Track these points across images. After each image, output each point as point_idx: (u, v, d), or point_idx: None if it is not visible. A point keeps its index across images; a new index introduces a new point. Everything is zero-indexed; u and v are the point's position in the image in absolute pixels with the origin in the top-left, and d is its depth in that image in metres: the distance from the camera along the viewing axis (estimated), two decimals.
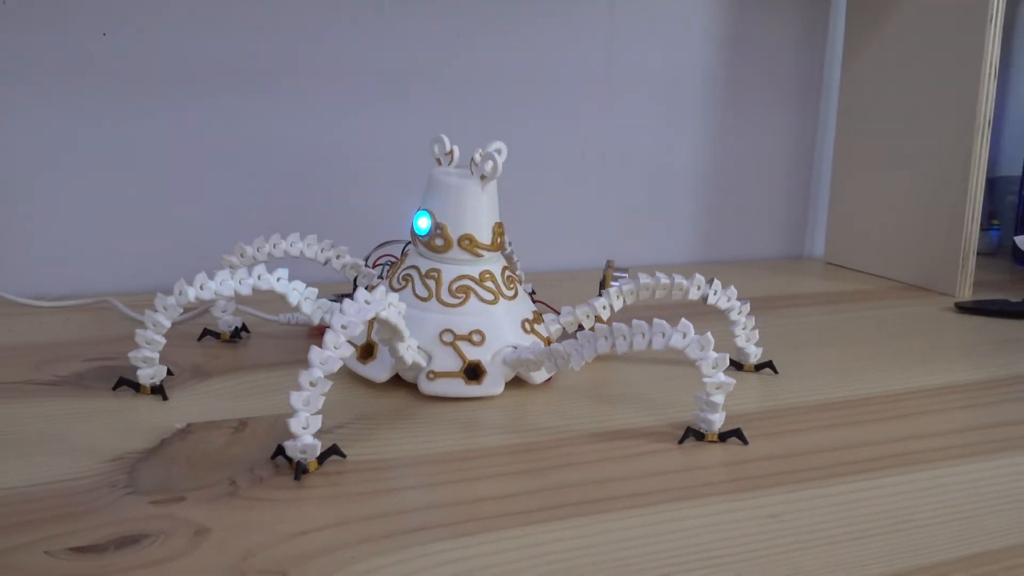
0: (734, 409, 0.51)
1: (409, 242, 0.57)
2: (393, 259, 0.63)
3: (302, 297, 0.50)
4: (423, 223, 0.54)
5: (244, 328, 0.63)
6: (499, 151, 0.54)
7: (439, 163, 0.56)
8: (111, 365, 0.56)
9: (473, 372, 0.53)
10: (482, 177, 0.53)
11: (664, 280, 0.57)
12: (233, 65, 0.75)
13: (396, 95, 0.80)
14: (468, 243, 0.53)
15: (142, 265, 0.76)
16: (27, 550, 0.36)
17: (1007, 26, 1.03)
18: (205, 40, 0.74)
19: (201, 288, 0.48)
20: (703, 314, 0.64)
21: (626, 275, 0.61)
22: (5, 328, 0.63)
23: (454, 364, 0.52)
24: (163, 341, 0.51)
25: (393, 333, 0.49)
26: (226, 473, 0.42)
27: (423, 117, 0.81)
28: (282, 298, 0.49)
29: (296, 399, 0.43)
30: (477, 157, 0.54)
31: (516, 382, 0.55)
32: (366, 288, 0.57)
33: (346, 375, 0.55)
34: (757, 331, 0.59)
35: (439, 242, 0.54)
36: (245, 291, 0.49)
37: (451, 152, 0.55)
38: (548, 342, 0.56)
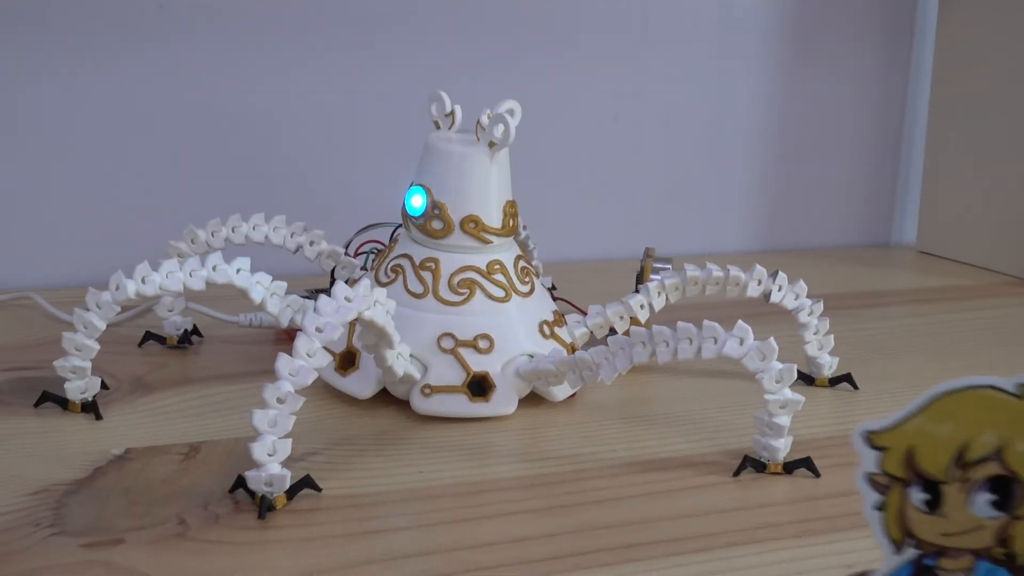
0: (803, 433, 0.51)
1: (400, 225, 0.57)
2: (380, 246, 0.63)
3: (267, 293, 0.50)
4: (417, 201, 0.54)
5: (195, 331, 0.63)
6: (511, 112, 0.54)
7: (437, 127, 0.56)
8: (32, 376, 0.56)
9: (479, 387, 0.53)
10: (491, 144, 0.53)
11: (716, 273, 0.57)
12: (175, 5, 0.76)
13: (383, 43, 0.80)
14: (473, 227, 0.54)
15: (70, 254, 0.76)
16: None
17: None
18: None
19: (143, 281, 0.48)
20: (765, 315, 0.64)
21: (669, 266, 0.61)
22: None
23: (455, 376, 0.52)
24: (96, 347, 0.51)
25: (380, 337, 0.49)
26: (174, 510, 0.43)
27: (417, 71, 0.81)
28: (243, 294, 0.49)
29: (260, 419, 0.43)
30: (484, 120, 0.53)
31: (532, 399, 0.55)
32: (346, 282, 0.58)
33: (322, 390, 0.55)
34: (832, 336, 0.59)
35: (437, 225, 0.54)
36: (197, 285, 0.49)
37: (452, 113, 0.55)
38: (572, 349, 0.56)
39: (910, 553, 0.28)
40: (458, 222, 0.53)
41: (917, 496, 0.28)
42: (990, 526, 0.27)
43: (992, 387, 0.26)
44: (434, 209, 0.54)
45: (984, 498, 0.27)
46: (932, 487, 0.27)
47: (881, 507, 0.28)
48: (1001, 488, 0.26)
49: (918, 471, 0.28)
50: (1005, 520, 0.27)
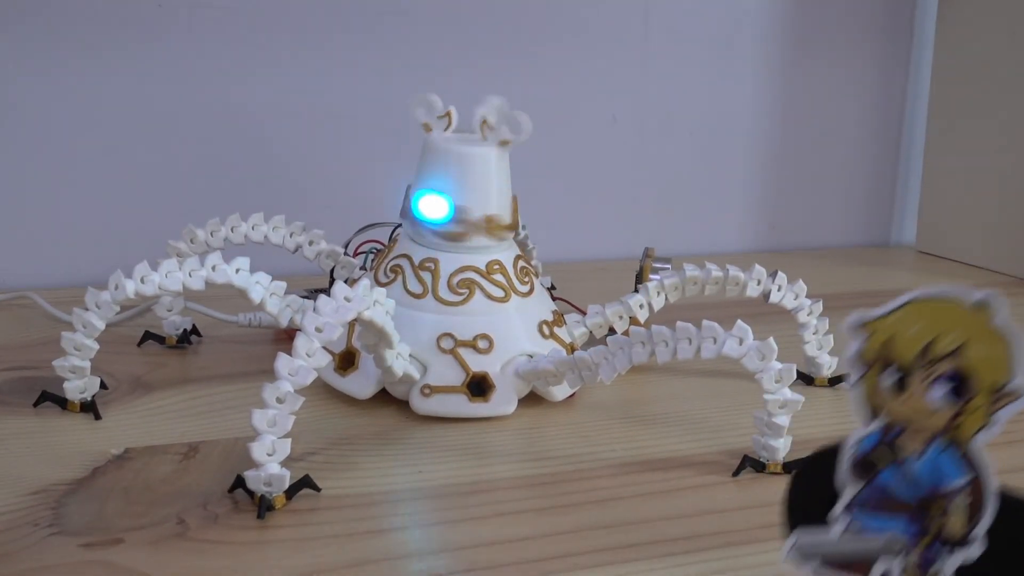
0: (802, 433, 0.51)
1: (399, 225, 0.57)
2: (379, 246, 0.63)
3: (267, 293, 0.50)
4: (439, 208, 0.53)
5: (194, 331, 0.63)
6: (500, 108, 0.54)
7: (428, 130, 0.55)
8: (32, 376, 0.56)
9: (478, 387, 0.53)
10: (502, 142, 0.53)
11: (716, 273, 0.57)
12: (174, 5, 0.76)
13: (382, 44, 0.80)
14: (494, 226, 0.54)
15: (69, 253, 0.76)
16: None
17: None
18: None
19: (142, 281, 0.48)
20: (764, 315, 0.64)
21: (669, 266, 0.61)
22: None
23: (455, 376, 0.52)
24: (96, 347, 0.51)
25: (379, 338, 0.49)
26: (173, 509, 0.43)
27: (417, 71, 0.81)
28: (242, 294, 0.49)
29: (259, 419, 0.43)
30: (492, 119, 0.53)
31: (532, 399, 0.55)
32: (346, 282, 0.57)
33: (321, 390, 0.55)
34: (831, 336, 0.59)
35: (459, 229, 0.53)
36: (196, 285, 0.49)
37: (448, 114, 0.55)
38: (571, 349, 0.56)
39: (879, 422, 0.33)
40: (481, 223, 0.53)
41: (889, 378, 0.33)
42: (943, 413, 0.32)
43: (954, 298, 0.31)
44: (459, 214, 0.53)
45: (940, 389, 0.32)
46: (901, 372, 0.32)
47: (862, 381, 0.34)
48: (956, 382, 0.31)
49: (892, 357, 0.33)
50: (955, 409, 0.31)
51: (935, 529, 0.33)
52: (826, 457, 0.35)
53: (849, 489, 0.34)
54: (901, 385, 0.33)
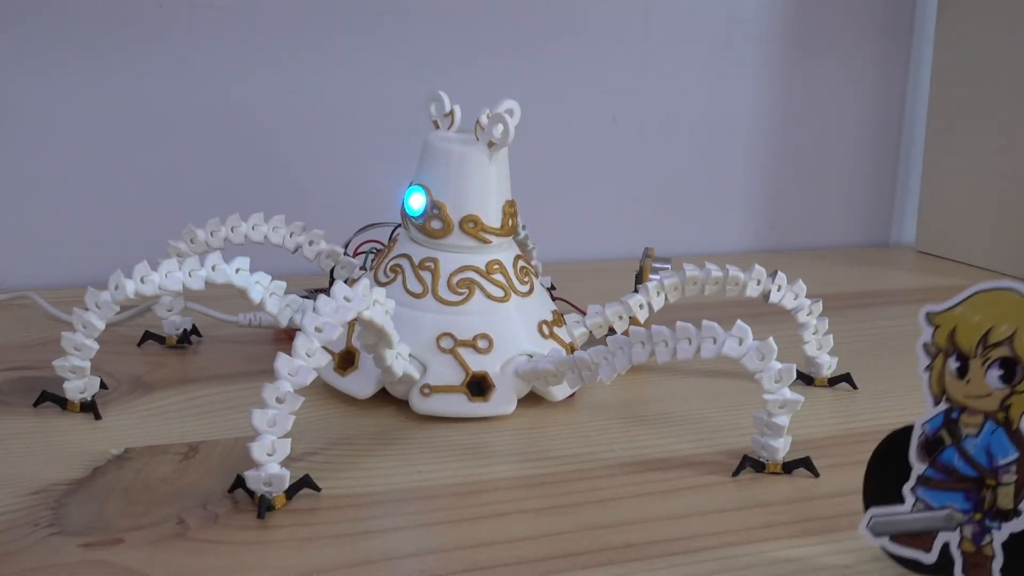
0: (802, 433, 0.51)
1: (399, 225, 0.57)
2: (379, 246, 0.63)
3: (267, 292, 0.50)
4: (416, 201, 0.54)
5: (194, 331, 0.63)
6: (510, 112, 0.54)
7: (436, 127, 0.56)
8: (31, 376, 0.56)
9: (478, 386, 0.53)
10: (490, 144, 0.53)
11: (716, 273, 0.57)
12: (174, 4, 0.76)
13: (382, 43, 0.81)
14: (473, 226, 0.54)
15: (69, 253, 0.76)
16: None
17: None
18: None
19: (142, 281, 0.48)
20: (764, 315, 0.64)
21: (668, 266, 0.61)
22: None
23: (455, 376, 0.52)
24: (95, 347, 0.51)
25: (379, 337, 0.49)
26: (173, 509, 0.43)
27: (417, 71, 0.81)
28: (242, 294, 0.49)
29: (259, 419, 0.43)
30: (484, 119, 0.54)
31: (531, 399, 0.55)
32: (345, 282, 0.57)
33: (321, 390, 0.55)
34: (831, 336, 0.59)
35: (436, 225, 0.54)
36: (196, 285, 0.49)
37: (451, 113, 0.55)
38: (571, 349, 0.56)
39: (943, 406, 0.37)
40: (457, 222, 0.53)
41: (952, 365, 0.37)
42: (997, 395, 0.35)
43: (1013, 290, 0.35)
44: (433, 209, 0.54)
45: (995, 373, 0.35)
46: (963, 359, 0.36)
47: (929, 369, 0.37)
48: (1008, 367, 0.35)
49: (956, 346, 0.36)
50: (1007, 392, 0.35)
51: (988, 504, 0.36)
52: (898, 439, 0.38)
53: (916, 468, 0.37)
54: (962, 371, 0.36)
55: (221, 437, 0.50)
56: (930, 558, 0.37)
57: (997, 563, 0.36)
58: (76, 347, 0.51)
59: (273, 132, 0.79)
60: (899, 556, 0.38)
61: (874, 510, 0.38)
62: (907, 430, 0.38)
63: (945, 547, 0.37)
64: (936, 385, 0.37)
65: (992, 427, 0.36)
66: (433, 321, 0.53)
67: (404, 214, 0.55)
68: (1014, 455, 0.35)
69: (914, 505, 0.37)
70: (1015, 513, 0.35)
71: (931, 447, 0.37)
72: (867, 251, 0.97)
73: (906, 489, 0.38)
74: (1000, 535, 0.35)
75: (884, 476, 0.39)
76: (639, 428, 0.53)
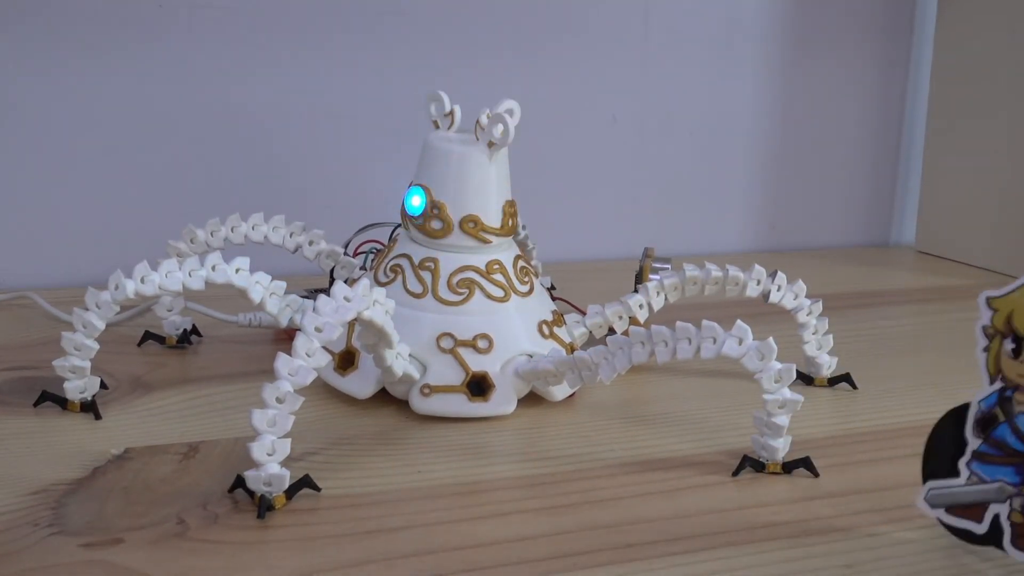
0: (802, 433, 0.51)
1: (399, 225, 0.57)
2: (379, 246, 0.63)
3: (266, 293, 0.50)
4: (416, 201, 0.54)
5: (194, 331, 0.63)
6: (510, 112, 0.54)
7: (437, 127, 0.56)
8: (31, 376, 0.56)
9: (478, 386, 0.53)
10: (490, 144, 0.53)
11: (715, 273, 0.57)
12: (174, 4, 0.76)
13: (382, 43, 0.81)
14: (473, 226, 0.54)
15: (69, 253, 0.76)
16: None
17: None
18: None
19: (142, 281, 0.48)
20: (764, 315, 0.64)
21: (668, 266, 0.61)
22: None
23: (455, 376, 0.52)
24: (96, 346, 0.51)
25: (379, 337, 0.49)
26: (173, 509, 0.43)
27: (417, 71, 0.81)
28: (242, 294, 0.49)
29: (259, 419, 0.43)
30: (483, 119, 0.54)
31: (531, 399, 0.55)
32: (345, 282, 0.57)
33: (321, 390, 0.55)
34: (831, 336, 0.59)
35: (436, 225, 0.54)
36: (196, 285, 0.49)
37: (451, 113, 0.55)
38: (571, 349, 0.56)
39: (998, 385, 0.39)
40: (457, 222, 0.53)
41: (1008, 346, 0.39)
42: None
43: None
44: (433, 209, 0.54)
45: None
46: (1019, 341, 0.38)
47: (987, 350, 0.39)
48: None
49: (1012, 328, 0.39)
50: None
51: None
52: (955, 416, 0.40)
53: (971, 443, 0.39)
54: (1017, 352, 0.38)
55: (221, 437, 0.50)
56: (982, 528, 0.39)
57: None
58: (76, 347, 0.51)
59: (273, 132, 0.79)
60: (953, 527, 0.40)
61: (931, 483, 0.40)
62: (964, 408, 0.40)
63: (996, 518, 0.39)
64: (992, 365, 0.39)
65: None
66: (433, 321, 0.53)
67: (405, 213, 0.55)
68: None
69: (968, 479, 0.39)
70: None
71: (986, 424, 0.39)
72: (867, 251, 0.97)
73: (961, 463, 0.40)
74: None
75: (942, 452, 0.41)
76: (639, 428, 0.53)
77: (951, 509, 0.40)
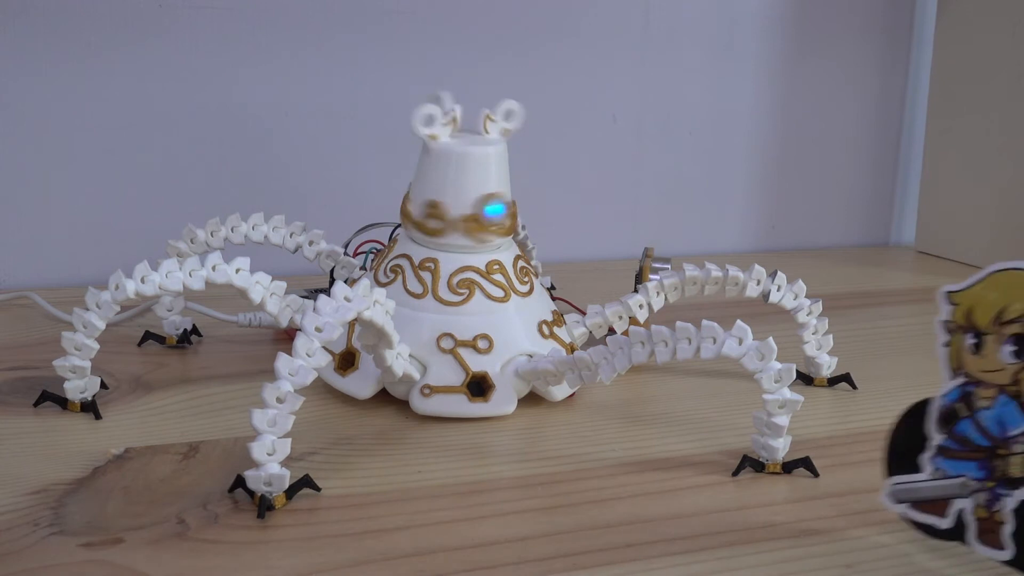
0: (801, 433, 0.51)
1: (398, 225, 0.57)
2: (379, 246, 0.63)
3: (267, 293, 0.50)
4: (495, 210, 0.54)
5: (194, 331, 0.63)
6: (511, 112, 0.54)
7: (435, 138, 0.55)
8: (32, 376, 0.56)
9: (478, 387, 0.53)
10: (504, 132, 0.55)
11: (715, 272, 0.57)
12: (175, 4, 0.76)
13: (382, 43, 0.81)
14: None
15: (70, 253, 0.76)
16: None
17: None
18: None
19: (142, 281, 0.48)
20: (763, 315, 0.64)
21: (668, 266, 0.61)
22: None
23: (455, 376, 0.52)
24: (96, 347, 0.51)
25: (379, 337, 0.49)
26: (173, 509, 0.43)
27: (417, 71, 0.81)
28: (242, 294, 0.49)
29: (259, 419, 0.43)
30: (499, 113, 0.54)
31: (531, 399, 0.55)
32: (345, 282, 0.58)
33: (321, 390, 0.55)
34: (831, 336, 0.59)
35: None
36: (196, 285, 0.49)
37: (454, 120, 0.55)
38: (571, 349, 0.56)
39: (959, 380, 0.39)
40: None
41: (969, 341, 0.39)
42: (1009, 369, 0.38)
43: None
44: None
45: (1009, 348, 0.37)
46: (979, 336, 0.38)
47: (947, 344, 0.39)
48: (1021, 343, 0.37)
49: (972, 323, 0.39)
50: (1019, 366, 0.37)
51: (1000, 472, 0.38)
52: (917, 411, 0.40)
53: (934, 438, 0.40)
54: (978, 347, 0.38)
55: (221, 437, 0.50)
56: (946, 523, 0.39)
57: (1008, 528, 0.38)
58: (76, 347, 0.51)
59: (273, 132, 0.79)
60: (917, 522, 0.40)
61: (895, 478, 0.40)
62: (925, 403, 0.40)
63: (960, 513, 0.39)
64: (954, 360, 0.39)
65: (1004, 400, 0.38)
66: (433, 321, 0.53)
67: (403, 214, 0.55)
68: (1023, 427, 0.37)
69: (932, 474, 0.40)
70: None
71: (948, 419, 0.39)
72: (867, 251, 0.97)
73: (924, 458, 0.40)
74: (1011, 502, 0.37)
75: (904, 448, 0.41)
76: (639, 428, 0.53)
77: (915, 504, 0.40)
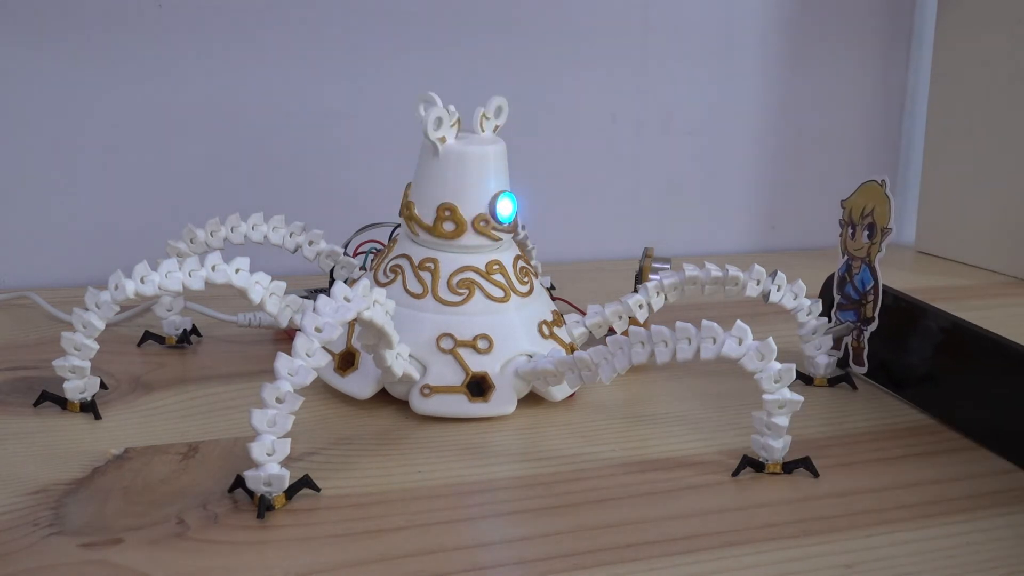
0: (801, 434, 0.51)
1: (398, 225, 0.57)
2: (379, 246, 0.63)
3: (266, 293, 0.50)
4: (507, 209, 0.54)
5: (194, 331, 0.63)
6: (500, 108, 0.55)
7: (443, 141, 0.55)
8: (31, 376, 0.56)
9: (478, 387, 0.53)
10: (495, 128, 0.55)
11: (715, 272, 0.57)
12: (174, 4, 0.76)
13: (382, 44, 0.81)
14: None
15: (69, 253, 0.76)
16: None
17: None
18: None
19: (142, 281, 0.48)
20: (763, 315, 0.64)
21: (668, 266, 0.61)
22: None
23: (455, 377, 0.52)
24: (95, 347, 0.51)
25: (379, 338, 0.49)
26: (173, 509, 0.43)
27: (416, 71, 0.81)
28: (242, 294, 0.49)
29: (259, 419, 0.43)
30: (492, 109, 0.54)
31: (531, 399, 0.55)
32: (345, 282, 0.58)
33: (321, 390, 0.55)
34: (831, 336, 0.59)
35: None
36: (196, 285, 0.49)
37: (457, 122, 0.55)
38: (571, 349, 0.56)
39: (845, 258, 0.59)
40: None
41: (849, 231, 0.59)
42: (865, 247, 0.58)
43: (876, 181, 0.57)
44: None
45: (865, 233, 0.58)
46: (854, 228, 0.58)
47: (840, 235, 0.59)
48: (871, 229, 0.57)
49: (851, 220, 0.59)
50: (869, 244, 0.58)
51: (862, 315, 0.59)
52: (829, 281, 0.61)
53: (836, 297, 0.60)
54: (853, 235, 0.58)
55: (221, 437, 0.50)
56: (838, 354, 0.60)
57: (865, 351, 0.59)
58: (76, 347, 0.51)
59: (273, 132, 0.79)
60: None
61: (826, 326, 0.59)
62: (832, 277, 0.61)
63: (846, 345, 0.60)
64: (842, 245, 0.59)
65: (864, 268, 0.58)
66: (433, 321, 0.53)
67: (404, 214, 0.55)
68: (871, 283, 0.58)
69: (836, 322, 0.60)
70: (872, 320, 0.58)
71: (841, 283, 0.60)
72: None
73: (832, 312, 0.60)
74: (866, 335, 0.58)
75: (827, 304, 0.60)
76: (638, 428, 0.53)
77: (833, 341, 0.59)
